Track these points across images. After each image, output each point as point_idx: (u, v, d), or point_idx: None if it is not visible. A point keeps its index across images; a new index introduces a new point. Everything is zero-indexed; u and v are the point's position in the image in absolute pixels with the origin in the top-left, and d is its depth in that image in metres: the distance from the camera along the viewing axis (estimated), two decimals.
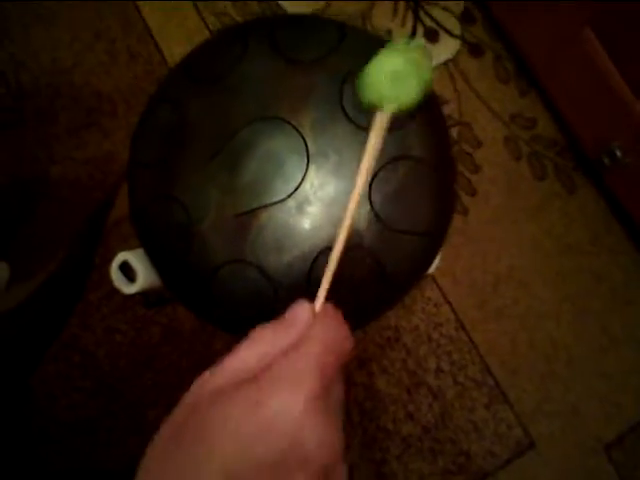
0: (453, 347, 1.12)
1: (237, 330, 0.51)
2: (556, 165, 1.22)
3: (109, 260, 1.04)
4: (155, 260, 0.50)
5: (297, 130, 0.45)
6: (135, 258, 0.51)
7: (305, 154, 0.45)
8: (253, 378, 0.29)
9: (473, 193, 1.19)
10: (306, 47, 0.48)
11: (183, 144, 0.46)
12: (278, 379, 0.29)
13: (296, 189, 0.45)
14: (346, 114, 0.46)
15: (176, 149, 0.47)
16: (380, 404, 1.08)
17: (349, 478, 0.32)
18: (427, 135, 0.48)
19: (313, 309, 0.34)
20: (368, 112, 0.37)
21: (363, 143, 0.46)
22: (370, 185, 0.46)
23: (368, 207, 0.45)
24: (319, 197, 0.45)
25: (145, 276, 0.50)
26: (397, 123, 0.47)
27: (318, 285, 0.45)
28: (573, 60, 1.10)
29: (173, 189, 0.46)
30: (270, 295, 0.46)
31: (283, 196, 0.45)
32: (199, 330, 1.06)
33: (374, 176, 0.46)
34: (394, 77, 0.36)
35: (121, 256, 0.51)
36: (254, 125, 0.45)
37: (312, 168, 0.45)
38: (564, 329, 1.16)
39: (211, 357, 0.99)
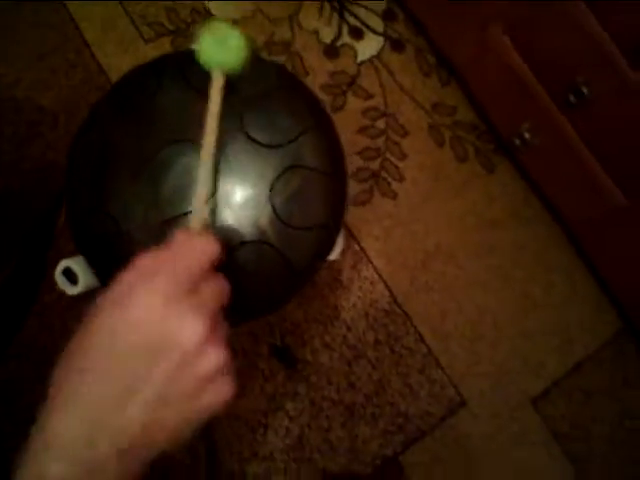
0: (389, 320, 1.23)
1: None
2: (476, 148, 1.33)
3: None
4: (93, 265, 0.58)
5: None
6: (76, 264, 0.59)
7: (214, 168, 0.54)
8: (127, 292, 0.38)
9: (401, 179, 1.29)
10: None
11: (111, 165, 0.55)
12: (142, 288, 0.38)
13: (209, 197, 0.54)
14: (247, 134, 0.55)
15: (105, 169, 0.55)
16: (324, 377, 1.18)
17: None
18: (318, 146, 0.57)
19: (189, 232, 0.44)
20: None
21: (262, 158, 0.55)
22: (270, 190, 0.55)
23: (270, 208, 0.55)
24: (229, 203, 0.54)
25: (85, 279, 0.59)
26: (291, 137, 0.56)
27: (236, 277, 0.54)
28: (485, 53, 1.20)
29: (104, 204, 0.55)
30: None
31: None
32: None
33: (273, 182, 0.55)
34: (218, 44, 0.50)
35: (63, 263, 0.60)
36: (171, 147, 0.54)
37: (220, 180, 0.54)
38: (489, 296, 1.27)
39: None
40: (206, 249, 0.42)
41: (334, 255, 0.62)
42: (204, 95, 0.56)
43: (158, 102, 0.56)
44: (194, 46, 0.51)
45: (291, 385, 1.17)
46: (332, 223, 0.58)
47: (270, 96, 0.57)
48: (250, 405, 1.14)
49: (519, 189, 1.33)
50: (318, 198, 0.57)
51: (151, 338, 0.37)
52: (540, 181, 1.27)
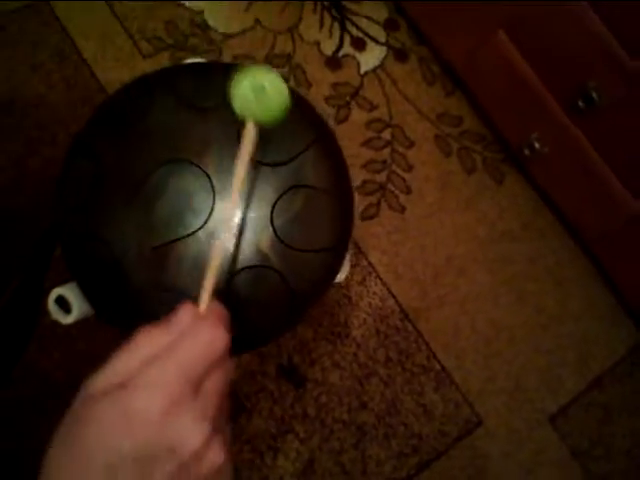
0: (400, 337, 1.19)
1: None
2: (484, 158, 1.30)
3: (60, 284, 1.08)
4: (87, 292, 0.55)
5: (202, 170, 0.51)
6: (69, 291, 0.56)
7: (211, 190, 0.51)
8: (125, 382, 0.35)
9: (408, 191, 1.25)
10: (205, 94, 0.53)
11: (102, 189, 0.52)
12: (142, 382, 0.34)
13: (205, 222, 0.51)
14: None
15: (96, 193, 0.52)
16: (335, 397, 1.15)
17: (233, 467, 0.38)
18: (321, 165, 0.54)
19: (195, 311, 0.40)
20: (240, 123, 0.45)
21: (262, 177, 0.52)
22: (272, 211, 0.52)
23: (271, 230, 0.52)
24: (227, 226, 0.51)
25: (79, 307, 0.56)
26: (292, 155, 0.53)
27: (236, 305, 0.51)
28: (490, 61, 1.17)
29: (96, 229, 0.52)
30: None
31: (195, 228, 0.51)
32: None
33: (275, 203, 0.52)
34: (256, 92, 0.44)
35: (56, 291, 0.57)
36: (164, 168, 0.51)
37: (218, 202, 0.51)
38: (503, 311, 1.24)
39: None
40: (215, 340, 0.38)
41: (340, 278, 0.59)
42: (197, 111, 0.53)
43: (150, 120, 0.53)
44: (230, 89, 0.45)
45: (300, 406, 1.13)
46: (338, 245, 0.55)
47: None
48: (259, 428, 1.10)
49: (529, 199, 1.29)
50: (323, 219, 0.54)
51: (151, 442, 0.34)
52: (551, 191, 1.23)
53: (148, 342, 0.37)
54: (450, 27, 1.24)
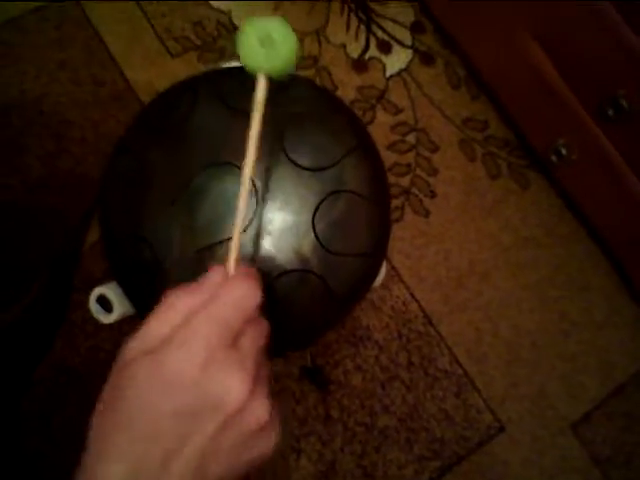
0: (422, 341, 1.19)
1: None
2: (509, 164, 1.30)
3: (87, 282, 1.09)
4: (128, 292, 0.56)
5: None
6: (110, 291, 0.57)
7: (254, 193, 0.51)
8: (160, 344, 0.35)
9: (432, 195, 1.25)
10: (250, 97, 0.54)
11: (146, 190, 0.52)
12: (178, 341, 0.34)
13: (248, 225, 0.51)
14: (288, 156, 0.52)
15: (140, 194, 0.52)
16: (357, 400, 1.15)
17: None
18: (361, 171, 0.54)
19: (225, 271, 0.40)
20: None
21: (304, 182, 0.52)
22: (313, 216, 0.52)
23: (312, 235, 0.52)
24: (269, 230, 0.51)
25: (120, 306, 0.56)
26: (334, 160, 0.53)
27: (278, 308, 0.51)
28: (516, 65, 1.17)
29: (140, 229, 0.52)
30: None
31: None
32: None
33: (316, 208, 0.52)
34: (263, 43, 0.45)
35: (97, 290, 0.57)
36: (207, 171, 0.51)
37: (260, 205, 0.51)
38: (526, 317, 1.23)
39: None
40: (247, 296, 0.38)
41: (377, 282, 0.59)
42: (241, 115, 0.53)
43: (193, 123, 0.53)
44: (236, 48, 0.45)
45: (323, 408, 1.13)
46: (377, 249, 0.55)
47: (311, 117, 0.54)
48: (281, 429, 1.11)
49: (554, 206, 1.29)
50: (362, 224, 0.54)
51: (191, 401, 0.34)
52: (577, 198, 1.23)
53: (181, 303, 0.37)
54: (477, 31, 1.24)
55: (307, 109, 0.54)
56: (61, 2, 1.23)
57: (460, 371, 1.18)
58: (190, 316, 0.36)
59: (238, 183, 0.52)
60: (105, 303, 0.57)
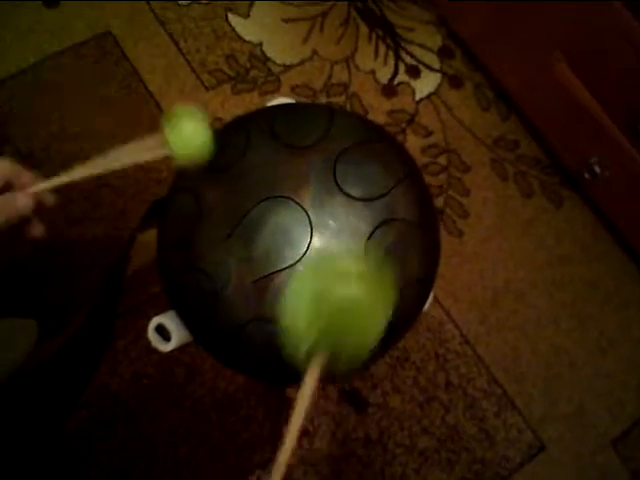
0: (460, 361, 1.19)
1: (264, 377, 0.59)
2: (542, 182, 1.30)
3: (131, 308, 1.11)
4: (187, 322, 0.58)
5: (300, 205, 0.54)
6: (168, 320, 0.59)
7: (308, 224, 0.53)
8: None
9: (466, 216, 1.26)
10: (302, 133, 0.56)
11: (203, 225, 0.55)
12: None
13: (304, 254, 0.53)
14: (340, 187, 0.54)
15: (197, 229, 0.55)
16: (396, 421, 1.15)
17: None
18: (411, 199, 0.56)
19: None
20: None
21: (356, 212, 0.54)
22: (366, 245, 0.54)
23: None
24: (323, 260, 0.53)
25: (178, 335, 0.59)
26: (385, 190, 0.55)
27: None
28: (546, 85, 1.18)
29: (198, 262, 0.54)
30: None
31: (293, 261, 0.53)
32: (221, 366, 1.13)
33: (369, 237, 0.54)
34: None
35: (156, 320, 0.60)
36: (262, 204, 0.54)
37: (315, 236, 0.53)
38: (563, 335, 1.23)
39: (235, 393, 1.07)
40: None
41: (426, 306, 0.61)
42: (293, 149, 0.56)
43: (248, 159, 0.56)
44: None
45: (362, 430, 1.14)
46: (427, 276, 0.57)
47: (360, 148, 0.56)
48: (321, 451, 1.12)
49: (588, 223, 1.29)
50: (414, 251, 0.56)
51: None
52: (611, 214, 1.23)
53: None
54: (506, 53, 1.25)
55: (356, 141, 0.56)
56: (99, 36, 1.27)
57: (499, 391, 1.18)
58: None
59: (292, 215, 0.54)
60: (163, 332, 0.60)
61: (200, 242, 0.55)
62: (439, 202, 1.27)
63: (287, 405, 1.13)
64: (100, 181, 1.18)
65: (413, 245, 0.56)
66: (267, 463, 1.10)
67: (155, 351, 1.13)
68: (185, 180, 0.58)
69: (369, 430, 1.15)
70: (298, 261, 0.53)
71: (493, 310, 1.23)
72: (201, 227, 0.55)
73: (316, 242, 0.53)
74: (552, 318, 1.24)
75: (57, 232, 1.14)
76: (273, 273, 0.53)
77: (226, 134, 0.59)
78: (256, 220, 0.54)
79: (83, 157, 1.20)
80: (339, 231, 0.54)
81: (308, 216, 0.53)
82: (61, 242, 1.13)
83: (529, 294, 1.24)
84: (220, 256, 0.54)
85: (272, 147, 0.56)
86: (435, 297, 1.22)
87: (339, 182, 0.54)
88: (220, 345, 0.57)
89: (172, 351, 0.60)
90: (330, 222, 0.54)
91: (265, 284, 0.53)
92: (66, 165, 1.19)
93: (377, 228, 0.54)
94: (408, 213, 0.55)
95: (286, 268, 0.53)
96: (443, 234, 1.25)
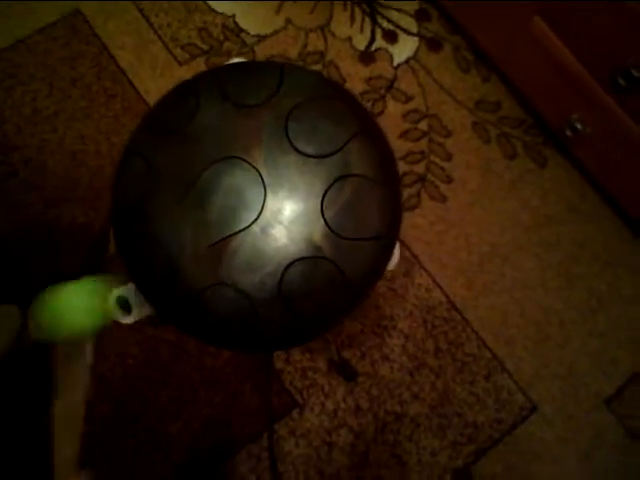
0: (448, 327, 1.19)
1: (224, 343, 0.58)
2: (525, 143, 1.29)
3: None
4: (145, 292, 0.57)
5: (252, 165, 0.52)
6: (129, 292, 0.58)
7: (262, 185, 0.52)
8: None
9: (449, 181, 1.25)
10: (252, 91, 0.55)
11: (155, 190, 0.53)
12: None
13: (258, 216, 0.52)
14: (292, 145, 0.53)
15: (149, 195, 0.53)
16: (386, 390, 1.15)
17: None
18: (367, 154, 0.54)
19: None
20: None
21: (310, 170, 0.53)
22: (322, 203, 0.52)
23: (322, 222, 0.52)
24: (279, 220, 0.52)
25: (139, 307, 0.58)
26: (338, 146, 0.54)
27: (288, 295, 0.52)
28: (525, 43, 1.16)
29: (151, 230, 0.53)
30: (248, 310, 0.53)
31: (248, 223, 0.52)
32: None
33: (324, 194, 0.53)
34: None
35: (116, 292, 0.59)
36: (214, 166, 0.52)
37: (269, 196, 0.52)
38: (552, 296, 1.22)
39: (221, 368, 1.06)
40: None
41: (391, 265, 0.59)
42: (243, 109, 0.54)
43: (198, 121, 0.54)
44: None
45: (353, 400, 1.14)
46: (389, 232, 0.55)
47: (313, 105, 0.55)
48: (312, 423, 1.11)
49: (573, 182, 1.28)
50: (372, 207, 0.54)
51: None
52: (596, 171, 1.21)
53: None
54: (484, 13, 1.23)
55: (308, 98, 0.54)
56: (68, 16, 1.25)
57: (489, 354, 1.18)
58: None
59: (244, 176, 0.52)
60: (125, 304, 0.59)
61: (152, 209, 0.53)
62: (421, 168, 1.25)
63: (275, 378, 1.12)
64: (76, 162, 1.17)
65: (371, 201, 0.54)
66: (257, 437, 1.10)
67: (139, 330, 1.13)
68: (135, 145, 0.56)
69: (359, 400, 1.14)
70: (253, 222, 0.52)
71: (480, 274, 1.22)
72: (153, 193, 0.53)
73: (270, 202, 0.52)
74: (540, 279, 1.23)
75: (34, 214, 1.13)
76: (229, 236, 0.52)
77: (176, 96, 0.58)
78: (208, 183, 0.52)
79: (58, 139, 1.20)
80: (293, 189, 0.52)
81: (261, 176, 0.52)
82: (39, 225, 1.12)
83: (516, 256, 1.23)
84: (173, 222, 0.53)
85: (222, 107, 0.54)
86: (421, 264, 1.21)
87: (291, 139, 0.53)
88: (180, 314, 0.56)
89: (136, 323, 0.59)
90: (284, 181, 0.52)
91: (221, 248, 0.52)
92: (42, 147, 1.18)
93: (332, 185, 0.53)
94: (364, 169, 0.54)
95: (242, 230, 0.52)
96: (426, 200, 1.24)
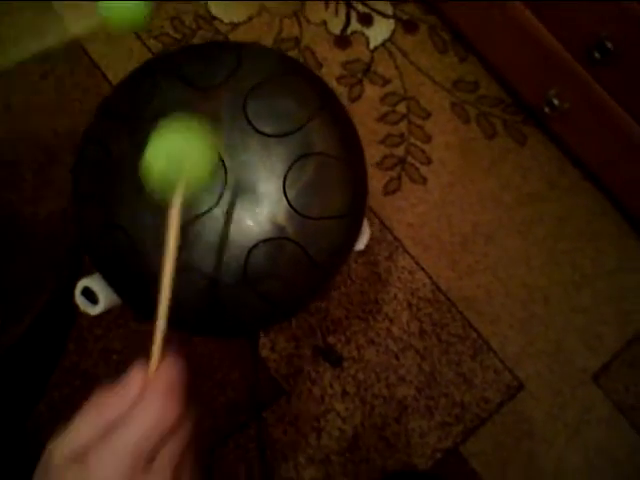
0: (432, 309, 1.18)
1: (191, 328, 0.58)
2: (504, 121, 1.28)
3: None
4: (111, 282, 0.56)
5: None
6: (94, 282, 0.57)
7: (223, 167, 0.51)
8: (82, 454, 0.35)
9: (429, 162, 1.24)
10: (210, 72, 0.54)
11: (115, 177, 0.53)
12: (96, 459, 0.34)
13: (220, 198, 0.51)
14: (252, 125, 0.52)
15: (110, 182, 0.53)
16: (372, 373, 1.15)
17: None
18: (329, 132, 0.54)
19: (144, 376, 0.38)
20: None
21: (271, 150, 0.52)
22: (284, 182, 0.52)
23: (284, 201, 0.52)
24: (241, 202, 0.51)
25: (105, 297, 0.57)
26: (299, 124, 0.53)
27: (254, 277, 0.52)
28: (501, 21, 1.15)
29: (113, 217, 0.53)
30: (214, 292, 0.52)
31: (209, 206, 0.51)
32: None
33: (286, 174, 0.52)
34: (171, 160, 0.39)
35: (81, 283, 0.58)
36: None
37: (231, 178, 0.51)
38: (536, 273, 1.22)
39: (208, 358, 1.05)
40: (163, 417, 0.37)
41: (361, 245, 0.59)
42: (202, 91, 0.53)
43: (155, 105, 0.54)
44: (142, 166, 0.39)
45: (339, 385, 1.14)
46: (353, 210, 0.55)
47: (272, 84, 0.54)
48: (300, 410, 1.11)
49: (554, 158, 1.27)
50: (335, 185, 0.54)
51: None
52: (576, 147, 1.21)
53: (102, 411, 0.37)
54: None
55: (268, 77, 0.54)
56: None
57: (474, 334, 1.18)
58: (110, 428, 0.36)
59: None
60: (91, 295, 0.58)
61: (113, 196, 0.53)
62: (400, 151, 1.25)
63: (261, 366, 1.12)
64: (50, 157, 1.16)
65: (334, 179, 0.54)
66: (245, 425, 1.10)
67: (121, 325, 1.13)
68: (94, 132, 0.55)
69: (346, 385, 1.14)
70: (215, 205, 0.51)
71: (463, 255, 1.22)
72: (112, 180, 0.53)
73: (231, 184, 0.51)
74: (524, 257, 1.22)
75: (10, 212, 1.12)
76: (191, 220, 0.51)
77: (133, 80, 0.57)
78: None
79: (32, 135, 1.18)
80: (255, 170, 0.52)
81: (221, 158, 0.51)
82: (15, 222, 1.11)
83: (498, 235, 1.23)
84: (134, 208, 0.52)
85: (180, 90, 0.54)
86: (404, 247, 1.21)
87: (251, 119, 0.52)
88: (146, 302, 0.55)
89: (101, 314, 0.59)
90: (245, 162, 0.52)
91: (184, 232, 0.51)
92: (16, 144, 1.17)
93: (294, 164, 0.52)
94: (326, 147, 0.53)
95: (204, 213, 0.51)
96: (407, 183, 1.23)
